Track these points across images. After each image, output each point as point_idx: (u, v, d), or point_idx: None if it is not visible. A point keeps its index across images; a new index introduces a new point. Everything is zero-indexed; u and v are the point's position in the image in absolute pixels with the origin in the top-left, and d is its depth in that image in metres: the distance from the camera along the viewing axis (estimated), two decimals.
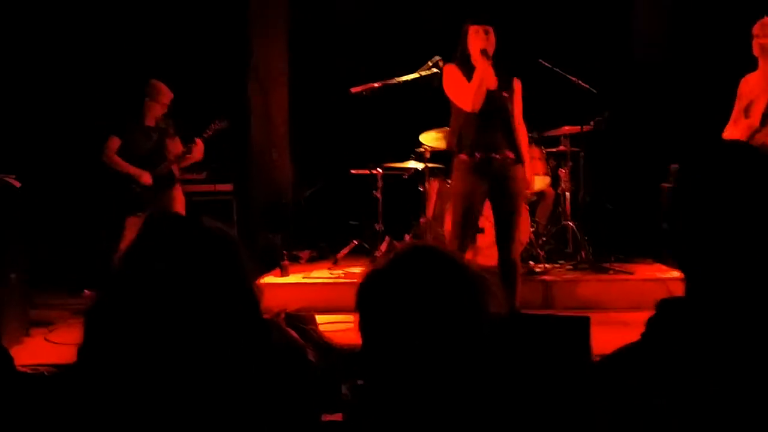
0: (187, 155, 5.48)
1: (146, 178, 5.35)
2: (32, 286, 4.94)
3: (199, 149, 5.49)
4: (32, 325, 4.84)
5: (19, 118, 6.21)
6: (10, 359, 1.61)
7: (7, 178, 4.57)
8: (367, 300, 1.31)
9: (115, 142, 5.37)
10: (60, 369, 1.37)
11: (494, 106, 4.30)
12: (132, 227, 5.32)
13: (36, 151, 6.13)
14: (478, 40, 4.31)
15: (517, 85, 4.47)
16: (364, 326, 1.30)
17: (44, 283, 5.59)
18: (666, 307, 1.18)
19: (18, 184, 4.61)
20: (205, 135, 5.46)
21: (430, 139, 5.99)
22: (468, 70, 4.31)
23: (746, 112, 4.67)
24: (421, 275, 1.28)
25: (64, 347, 4.10)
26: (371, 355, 1.30)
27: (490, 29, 4.33)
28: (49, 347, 4.47)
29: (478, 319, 1.28)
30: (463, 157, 4.31)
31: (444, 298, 1.26)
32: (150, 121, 5.47)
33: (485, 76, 4.25)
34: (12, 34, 6.28)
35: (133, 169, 5.34)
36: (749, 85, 4.69)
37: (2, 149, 5.52)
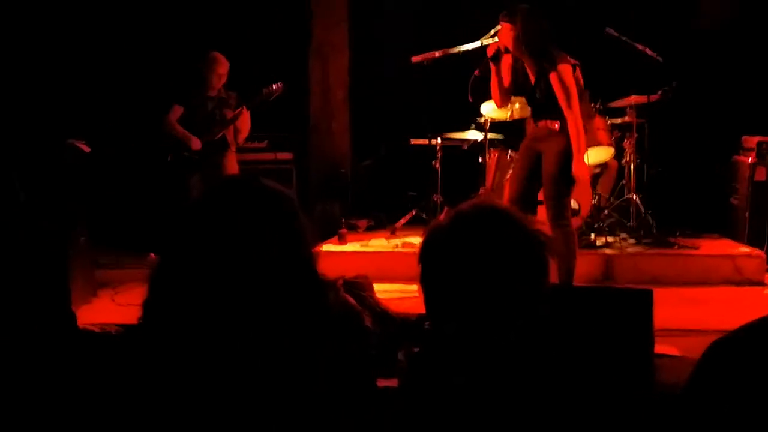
0: (235, 122, 5.56)
1: (195, 143, 5.51)
2: (99, 249, 5.11)
3: (245, 118, 5.56)
4: (99, 286, 5.01)
5: (90, 87, 6.37)
6: (73, 317, 1.66)
7: (77, 143, 4.71)
8: (428, 257, 1.29)
9: (177, 110, 5.59)
10: (126, 329, 1.40)
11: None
12: (193, 188, 5.50)
13: (104, 117, 6.29)
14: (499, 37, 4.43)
15: (552, 78, 4.26)
16: (425, 284, 1.29)
17: (111, 246, 5.75)
18: None
19: (88, 149, 4.75)
20: (251, 104, 5.50)
21: (491, 109, 5.90)
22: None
23: None
24: (484, 234, 1.26)
25: (131, 308, 4.21)
26: (432, 315, 1.29)
27: (502, 24, 4.38)
28: (115, 308, 4.62)
29: (540, 282, 1.25)
30: None
31: (507, 257, 1.24)
32: (210, 92, 5.62)
33: (501, 75, 4.42)
34: (85, 3, 6.42)
35: (184, 134, 5.52)
36: None
37: (73, 115, 5.69)
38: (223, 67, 5.56)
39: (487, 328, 1.24)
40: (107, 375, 1.31)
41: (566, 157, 4.23)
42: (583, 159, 4.24)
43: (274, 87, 5.47)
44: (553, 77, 4.22)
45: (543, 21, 4.33)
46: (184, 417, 1.20)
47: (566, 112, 4.22)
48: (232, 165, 5.69)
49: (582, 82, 4.41)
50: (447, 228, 1.30)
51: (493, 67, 4.39)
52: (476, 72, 4.83)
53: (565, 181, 4.28)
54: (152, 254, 5.64)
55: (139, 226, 5.99)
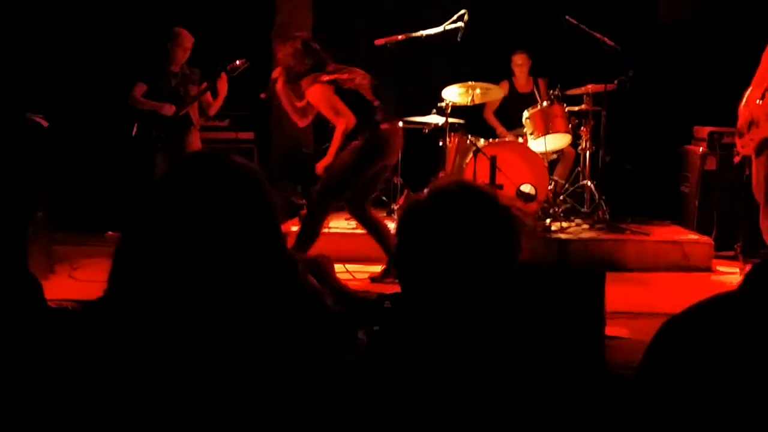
0: (198, 98, 5.54)
1: (168, 109, 5.48)
2: (57, 225, 5.05)
3: (223, 82, 5.50)
4: (57, 262, 4.96)
5: (51, 62, 6.25)
6: (40, 287, 1.64)
7: (35, 118, 4.64)
8: (405, 231, 1.33)
9: (141, 87, 5.55)
10: (84, 305, 1.39)
11: None
12: (157, 166, 5.48)
13: (65, 94, 6.18)
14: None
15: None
16: (401, 256, 1.33)
17: (70, 223, 5.69)
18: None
19: (46, 124, 4.67)
20: (229, 68, 5.46)
21: (452, 94, 5.96)
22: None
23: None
24: (463, 209, 1.30)
25: (88, 284, 4.20)
26: (405, 288, 1.33)
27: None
28: (73, 284, 4.58)
29: (512, 259, 1.31)
30: None
31: (482, 233, 1.29)
32: (174, 67, 5.61)
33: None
34: None
35: (154, 104, 5.48)
36: None
37: (32, 91, 5.59)
38: (188, 42, 5.57)
39: (456, 301, 1.29)
40: (66, 351, 1.27)
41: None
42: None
43: (237, 62, 5.44)
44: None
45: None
46: (148, 394, 1.19)
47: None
48: (195, 143, 5.68)
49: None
50: (426, 203, 1.34)
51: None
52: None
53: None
54: (109, 232, 5.62)
55: (99, 204, 5.93)
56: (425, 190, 1.39)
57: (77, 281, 4.65)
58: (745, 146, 4.52)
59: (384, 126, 4.72)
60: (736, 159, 5.15)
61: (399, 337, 1.44)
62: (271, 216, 1.29)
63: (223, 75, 5.49)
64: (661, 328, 1.09)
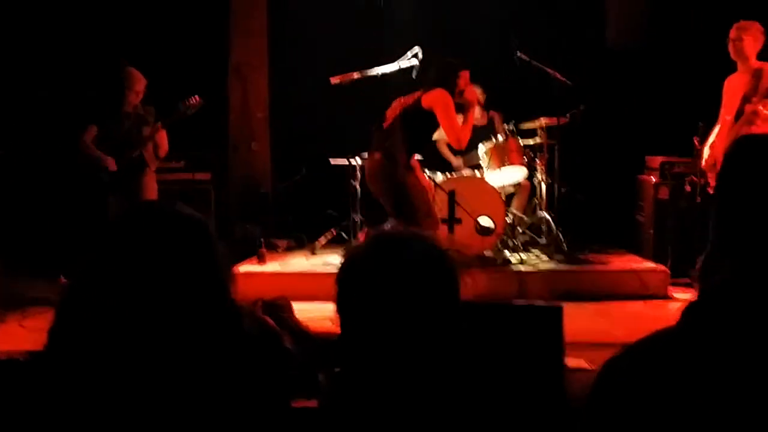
0: (153, 139, 5.42)
1: (111, 164, 5.33)
2: (8, 271, 4.93)
3: (162, 136, 5.43)
4: (7, 311, 4.83)
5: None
6: None
7: None
8: (345, 281, 1.32)
9: (92, 131, 5.39)
10: (34, 355, 1.36)
11: None
12: (110, 209, 5.34)
13: (16, 134, 6.08)
14: (471, 87, 5.02)
15: None
16: (341, 310, 1.32)
17: (20, 270, 5.54)
18: (710, 295, 1.07)
19: None
20: (170, 120, 5.38)
21: None
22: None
23: (728, 110, 4.85)
24: (398, 260, 1.30)
25: (39, 334, 4.08)
26: (348, 340, 1.32)
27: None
28: (24, 333, 4.45)
29: (453, 306, 1.30)
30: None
31: (420, 283, 1.28)
32: (127, 108, 5.45)
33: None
34: None
35: (99, 155, 5.33)
36: (731, 85, 4.88)
37: None
38: (140, 84, 5.43)
39: (402, 348, 1.28)
40: (13, 403, 1.27)
41: None
42: None
43: (192, 101, 5.36)
44: None
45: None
46: None
47: None
48: (151, 185, 5.52)
49: None
50: (364, 252, 1.33)
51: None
52: None
53: None
54: (62, 278, 5.49)
55: (51, 248, 5.80)
56: (363, 235, 1.39)
57: (28, 330, 4.51)
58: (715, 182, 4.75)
59: None
60: (688, 188, 5.29)
61: (355, 381, 1.42)
62: (215, 267, 1.29)
63: (161, 128, 5.39)
64: (603, 368, 1.11)
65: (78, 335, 1.25)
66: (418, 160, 6.10)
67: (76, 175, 5.51)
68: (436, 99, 4.86)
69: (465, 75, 4.99)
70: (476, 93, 5.01)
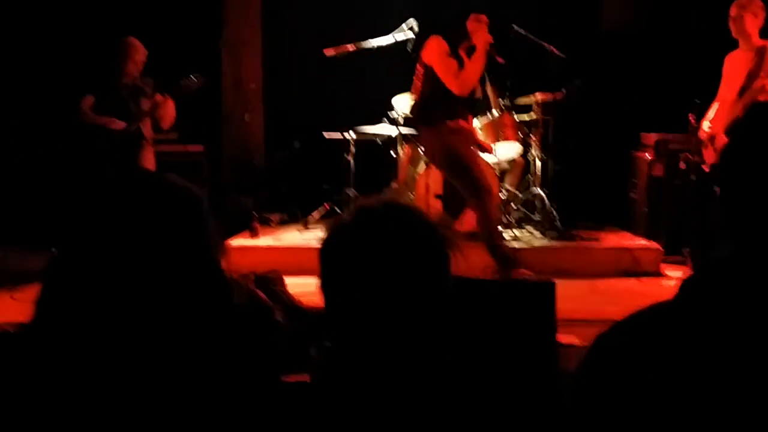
0: (155, 112, 5.31)
1: (117, 123, 5.21)
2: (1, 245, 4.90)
3: (169, 107, 5.32)
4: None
5: None
6: None
7: None
8: (329, 254, 1.30)
9: (88, 100, 5.26)
10: (24, 327, 1.35)
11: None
12: None
13: (9, 109, 6.00)
14: (485, 32, 4.72)
15: None
16: (325, 281, 1.30)
17: (12, 242, 5.52)
18: (710, 269, 1.04)
19: None
20: (175, 92, 5.28)
21: (403, 103, 5.97)
22: (456, 52, 4.68)
23: (729, 88, 4.85)
24: (386, 231, 1.26)
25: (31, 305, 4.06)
26: (334, 315, 1.30)
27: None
28: (15, 305, 4.44)
29: (443, 281, 1.28)
30: (461, 123, 4.89)
31: (409, 254, 1.25)
32: (125, 79, 5.32)
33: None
34: None
35: (104, 119, 5.21)
36: (733, 62, 4.86)
37: None
38: (140, 54, 5.27)
39: (390, 324, 1.26)
40: (5, 375, 1.26)
41: None
42: None
43: (193, 78, 5.23)
44: None
45: None
46: (82, 417, 1.17)
47: None
48: (148, 159, 5.41)
49: None
50: (349, 224, 1.29)
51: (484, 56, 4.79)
52: None
53: None
54: (54, 249, 5.46)
55: (46, 222, 5.75)
56: (347, 211, 1.34)
57: (19, 302, 4.50)
58: (709, 157, 4.84)
59: None
60: (682, 165, 5.28)
61: (344, 353, 1.40)
62: (205, 240, 1.27)
63: (168, 99, 5.26)
64: (594, 342, 1.09)
65: (64, 307, 1.24)
66: (411, 135, 6.09)
67: (72, 146, 5.40)
68: (428, 50, 4.71)
69: (473, 18, 4.76)
70: (488, 36, 4.69)
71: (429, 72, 4.69)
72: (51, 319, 1.25)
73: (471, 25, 4.72)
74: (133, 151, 5.32)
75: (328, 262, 1.30)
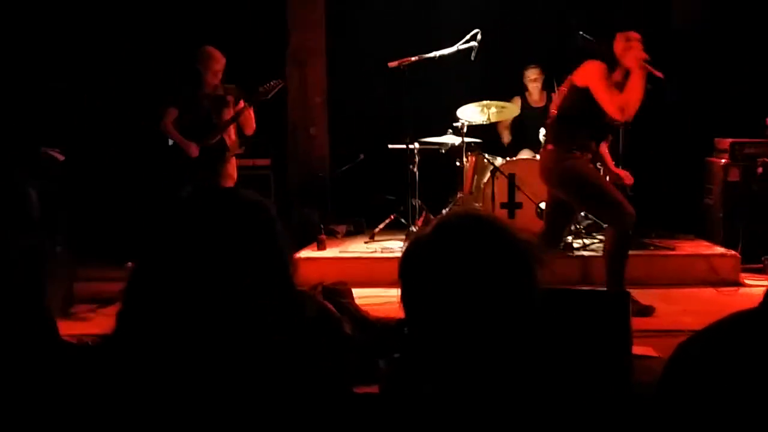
0: (234, 122, 5.29)
1: (193, 150, 5.19)
2: (80, 260, 5.01)
3: (250, 114, 5.28)
4: (79, 297, 4.92)
5: (73, 92, 6.24)
6: (53, 322, 1.64)
7: (50, 152, 4.65)
8: (410, 269, 1.28)
9: (172, 113, 5.24)
10: (104, 339, 1.38)
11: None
12: None
13: (90, 123, 6.18)
14: (639, 50, 4.32)
15: None
16: (406, 297, 1.28)
17: (93, 257, 5.62)
18: None
19: (61, 158, 4.69)
20: (255, 99, 5.24)
21: (468, 113, 5.94)
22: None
23: None
24: (467, 244, 1.24)
25: (110, 319, 4.14)
26: (413, 327, 1.28)
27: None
28: (94, 320, 4.55)
29: (527, 291, 1.24)
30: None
31: (490, 268, 1.22)
32: (206, 90, 5.26)
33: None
34: (67, 3, 6.35)
35: (181, 140, 5.20)
36: None
37: (52, 123, 5.54)
38: (218, 63, 5.23)
39: (469, 336, 1.23)
40: (85, 386, 1.29)
41: None
42: None
43: (272, 83, 5.21)
44: None
45: None
46: (159, 428, 1.19)
47: None
48: (231, 170, 5.36)
49: None
50: (429, 239, 1.27)
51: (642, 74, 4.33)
52: None
53: None
54: (130, 263, 5.57)
55: (126, 236, 5.88)
56: (429, 224, 1.32)
57: (98, 317, 4.60)
58: None
59: None
60: (759, 170, 5.08)
61: (416, 367, 1.39)
62: (278, 252, 1.28)
63: (248, 109, 5.23)
64: (678, 348, 1.05)
65: (144, 319, 1.26)
66: (476, 143, 6.04)
67: (155, 161, 5.46)
68: (586, 73, 4.38)
69: (620, 38, 4.39)
70: (642, 54, 4.31)
71: (581, 94, 4.39)
72: (131, 331, 1.27)
73: (619, 45, 4.36)
74: (216, 162, 5.28)
75: (408, 277, 1.28)
